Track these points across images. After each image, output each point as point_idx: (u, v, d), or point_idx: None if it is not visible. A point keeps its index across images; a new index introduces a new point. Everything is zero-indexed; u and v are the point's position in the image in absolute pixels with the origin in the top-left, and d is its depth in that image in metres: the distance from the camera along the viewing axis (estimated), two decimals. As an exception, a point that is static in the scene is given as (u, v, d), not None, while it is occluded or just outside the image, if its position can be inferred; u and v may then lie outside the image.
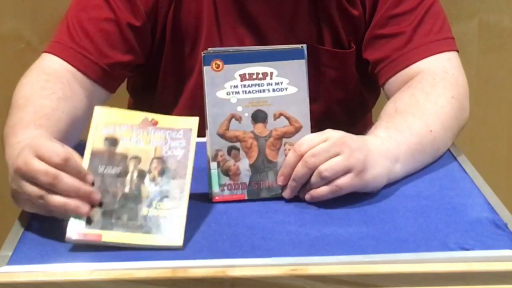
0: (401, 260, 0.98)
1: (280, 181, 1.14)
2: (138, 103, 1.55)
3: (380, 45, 1.39)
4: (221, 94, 1.13)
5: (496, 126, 2.09)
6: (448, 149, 1.29)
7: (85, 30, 1.32)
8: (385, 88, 1.39)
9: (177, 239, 1.02)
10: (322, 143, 1.11)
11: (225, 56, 1.13)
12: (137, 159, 1.06)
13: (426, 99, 1.26)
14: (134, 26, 1.34)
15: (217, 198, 1.14)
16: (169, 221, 1.03)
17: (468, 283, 0.97)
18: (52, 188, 1.01)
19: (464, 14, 1.96)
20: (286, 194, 1.14)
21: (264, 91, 1.13)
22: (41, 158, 1.02)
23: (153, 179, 1.05)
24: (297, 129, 1.14)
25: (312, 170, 1.10)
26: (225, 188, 1.14)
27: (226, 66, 1.13)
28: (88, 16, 1.33)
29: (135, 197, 1.04)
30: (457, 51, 1.38)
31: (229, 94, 1.13)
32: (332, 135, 1.12)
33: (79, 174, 1.02)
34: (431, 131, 1.23)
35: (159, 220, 1.03)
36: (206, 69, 1.13)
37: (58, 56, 1.31)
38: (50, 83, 1.26)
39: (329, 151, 1.10)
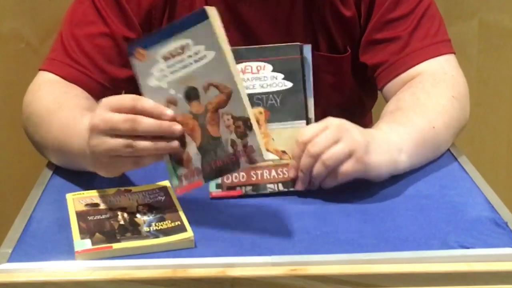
0: (401, 258, 0.98)
1: (291, 173, 1.14)
2: None
3: (378, 50, 1.38)
4: (151, 82, 1.10)
5: (496, 126, 2.08)
6: (448, 149, 1.29)
7: (81, 47, 1.31)
8: (384, 91, 1.39)
9: (188, 241, 1.02)
10: (323, 132, 1.11)
11: (144, 41, 1.11)
12: (122, 208, 1.09)
13: (427, 98, 1.27)
14: (129, 39, 1.33)
15: (178, 191, 1.11)
16: (173, 230, 1.03)
17: (468, 282, 0.97)
18: (134, 132, 1.04)
19: (464, 14, 1.96)
20: (298, 186, 1.14)
21: (187, 66, 1.09)
22: (113, 109, 1.05)
23: (144, 214, 1.08)
24: (228, 95, 1.08)
25: (315, 159, 1.11)
26: (183, 178, 1.11)
27: (148, 52, 1.10)
28: (83, 33, 1.32)
29: (132, 225, 1.05)
30: (454, 53, 1.38)
31: (158, 80, 1.10)
32: (332, 122, 1.13)
33: (154, 112, 1.05)
34: (434, 127, 1.23)
35: (163, 231, 1.03)
36: (132, 60, 1.10)
37: (56, 74, 1.31)
38: (66, 89, 1.27)
39: (330, 138, 1.11)
